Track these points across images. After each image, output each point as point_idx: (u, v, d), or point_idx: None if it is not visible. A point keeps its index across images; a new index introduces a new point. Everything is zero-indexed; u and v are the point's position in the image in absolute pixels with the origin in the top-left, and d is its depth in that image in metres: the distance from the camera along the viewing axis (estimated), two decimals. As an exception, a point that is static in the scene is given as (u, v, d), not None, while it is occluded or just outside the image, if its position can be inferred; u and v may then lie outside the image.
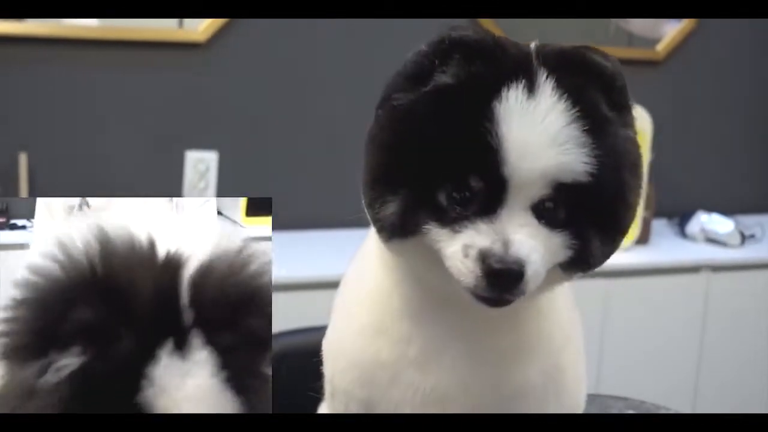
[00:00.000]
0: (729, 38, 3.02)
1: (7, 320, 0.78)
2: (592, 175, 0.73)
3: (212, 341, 0.81)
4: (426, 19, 2.20)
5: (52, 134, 2.44)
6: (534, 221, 0.74)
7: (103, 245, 0.79)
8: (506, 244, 0.72)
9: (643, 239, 2.69)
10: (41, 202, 1.66)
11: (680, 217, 2.87)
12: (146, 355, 0.79)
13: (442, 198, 0.75)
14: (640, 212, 2.57)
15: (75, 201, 1.63)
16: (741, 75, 3.11)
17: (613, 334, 2.60)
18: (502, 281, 0.72)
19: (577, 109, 0.74)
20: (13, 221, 2.47)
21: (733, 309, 2.73)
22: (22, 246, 2.38)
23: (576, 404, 0.94)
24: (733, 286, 2.72)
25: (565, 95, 0.74)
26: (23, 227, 2.43)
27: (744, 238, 2.77)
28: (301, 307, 1.90)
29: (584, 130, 0.74)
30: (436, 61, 0.76)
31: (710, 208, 2.86)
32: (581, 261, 0.78)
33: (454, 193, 0.74)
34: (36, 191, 2.41)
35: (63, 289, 0.78)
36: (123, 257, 0.79)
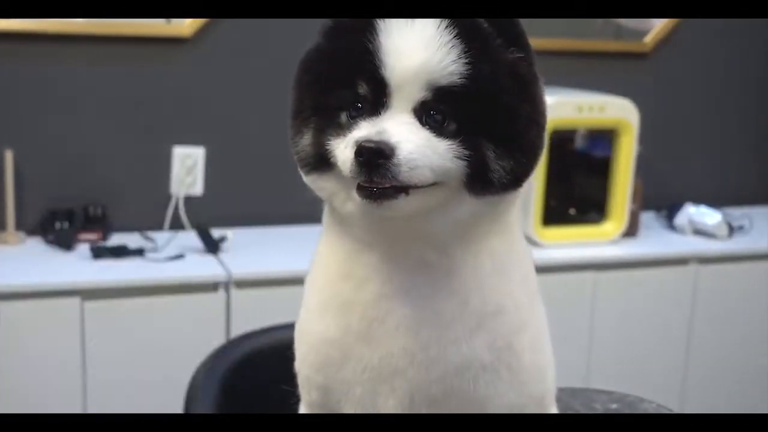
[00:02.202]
0: (716, 30, 3.02)
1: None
2: (466, 77, 0.79)
3: None
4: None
5: (37, 130, 2.43)
6: (416, 122, 0.80)
7: None
8: (379, 131, 0.79)
9: (631, 231, 2.69)
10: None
11: (668, 210, 2.88)
12: None
13: (343, 117, 0.83)
14: (627, 202, 2.62)
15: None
16: (729, 67, 3.12)
17: (601, 326, 2.60)
18: (368, 159, 0.77)
19: (453, 20, 0.80)
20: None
21: (722, 301, 2.74)
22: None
23: (537, 394, 0.94)
24: (721, 278, 2.72)
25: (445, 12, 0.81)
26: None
27: (732, 230, 2.78)
28: (291, 302, 1.89)
29: (456, 35, 0.80)
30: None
31: (698, 200, 2.87)
32: (481, 174, 0.81)
33: (351, 109, 0.82)
34: (22, 188, 2.40)
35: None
36: None
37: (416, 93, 0.80)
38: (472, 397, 0.88)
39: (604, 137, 2.63)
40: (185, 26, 2.48)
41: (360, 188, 0.80)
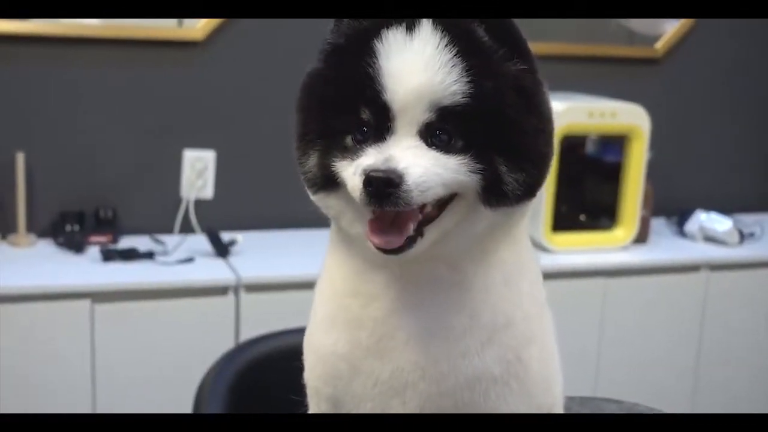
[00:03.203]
0: (728, 36, 3.02)
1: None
2: (470, 95, 0.79)
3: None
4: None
5: (49, 133, 2.44)
6: (422, 145, 0.80)
7: None
8: (386, 159, 0.78)
9: (641, 238, 2.68)
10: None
11: (679, 216, 2.87)
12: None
13: (348, 140, 0.83)
14: (637, 208, 2.61)
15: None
16: (740, 73, 3.11)
17: (611, 332, 2.59)
18: (378, 189, 0.77)
19: (452, 37, 0.80)
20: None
21: (732, 308, 2.73)
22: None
23: (546, 404, 0.93)
24: (731, 285, 2.71)
25: (443, 30, 0.80)
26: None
27: (743, 237, 2.77)
28: (301, 306, 1.89)
29: (457, 53, 0.79)
30: (333, 28, 0.86)
31: (709, 207, 2.86)
32: (495, 187, 0.81)
33: (356, 133, 0.82)
34: (33, 190, 2.41)
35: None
36: None
37: (420, 115, 0.79)
38: (482, 410, 0.88)
39: (615, 143, 2.62)
40: (196, 30, 2.48)
41: (374, 241, 0.80)
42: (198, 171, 2.56)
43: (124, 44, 2.45)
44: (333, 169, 0.83)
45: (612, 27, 2.92)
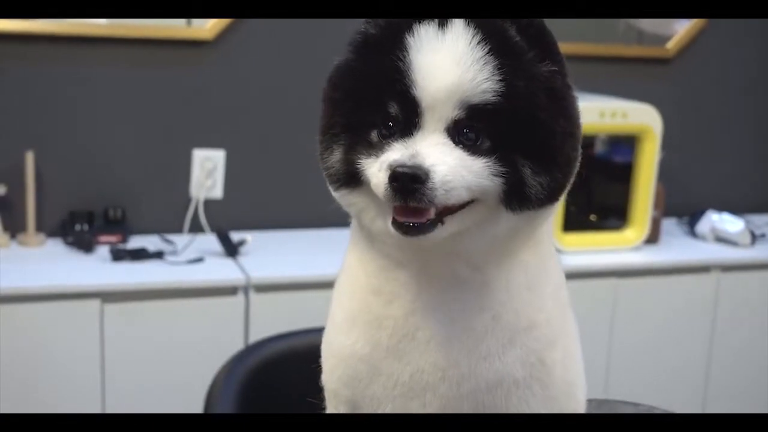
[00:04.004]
0: (739, 36, 3.00)
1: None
2: (500, 94, 0.78)
3: None
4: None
5: (58, 132, 2.44)
6: (449, 142, 0.79)
7: None
8: (413, 155, 0.77)
9: (652, 239, 2.67)
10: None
11: (690, 217, 2.86)
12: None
13: (374, 135, 0.81)
14: (648, 209, 2.59)
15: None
16: (751, 73, 3.09)
17: (622, 333, 2.58)
18: (403, 185, 0.76)
19: (484, 35, 0.79)
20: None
21: (743, 309, 2.72)
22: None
23: (569, 409, 0.92)
24: (743, 286, 2.70)
25: (475, 27, 0.79)
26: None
27: (754, 238, 2.75)
28: (313, 306, 1.89)
29: (489, 52, 0.78)
30: (366, 21, 0.84)
31: (720, 208, 2.84)
32: (518, 191, 0.80)
33: (382, 128, 0.81)
34: (43, 190, 2.41)
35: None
36: None
37: (449, 112, 0.78)
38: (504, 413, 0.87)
39: (626, 143, 2.61)
40: (206, 29, 2.48)
41: (395, 222, 0.79)
42: (207, 171, 2.55)
43: (133, 44, 2.45)
44: (357, 165, 0.82)
45: (622, 27, 2.91)
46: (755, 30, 3.01)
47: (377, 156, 0.80)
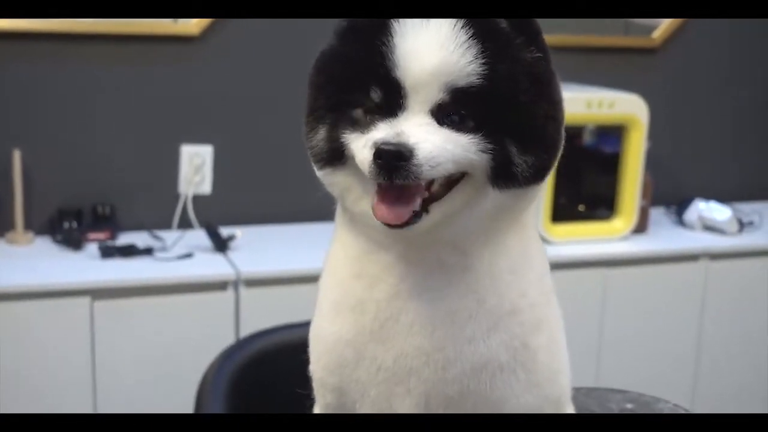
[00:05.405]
0: (725, 25, 3.01)
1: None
2: (484, 77, 0.79)
3: None
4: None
5: (45, 130, 2.43)
6: (433, 122, 0.80)
7: None
8: (397, 133, 0.78)
9: (640, 228, 2.68)
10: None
11: (678, 206, 2.86)
12: None
13: (358, 113, 0.82)
14: (636, 198, 2.60)
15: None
16: (738, 62, 3.10)
17: (611, 322, 2.59)
18: (388, 161, 0.77)
19: (468, 20, 0.80)
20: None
21: (732, 297, 2.73)
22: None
23: (553, 395, 0.93)
24: (731, 274, 2.71)
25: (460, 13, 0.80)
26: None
27: (742, 226, 2.77)
28: (301, 301, 1.89)
29: (473, 35, 0.79)
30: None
31: (708, 196, 2.86)
32: (505, 168, 0.81)
33: (365, 107, 0.82)
34: (31, 188, 2.40)
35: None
36: None
37: (433, 95, 0.79)
38: (488, 399, 0.87)
39: (613, 133, 2.62)
40: (193, 25, 2.47)
41: (379, 213, 0.80)
42: (196, 166, 2.55)
43: (120, 40, 2.45)
44: (342, 140, 0.83)
45: (608, 17, 2.91)
46: (741, 19, 3.02)
47: (362, 132, 0.81)
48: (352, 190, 0.85)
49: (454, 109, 0.80)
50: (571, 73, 2.72)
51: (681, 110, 3.03)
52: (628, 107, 2.54)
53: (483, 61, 0.79)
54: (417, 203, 0.80)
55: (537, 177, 0.83)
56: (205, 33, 2.50)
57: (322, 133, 0.85)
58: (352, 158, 0.83)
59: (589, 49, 2.88)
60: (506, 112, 0.80)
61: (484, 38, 0.79)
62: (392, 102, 0.80)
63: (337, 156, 0.84)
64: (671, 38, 2.97)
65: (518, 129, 0.81)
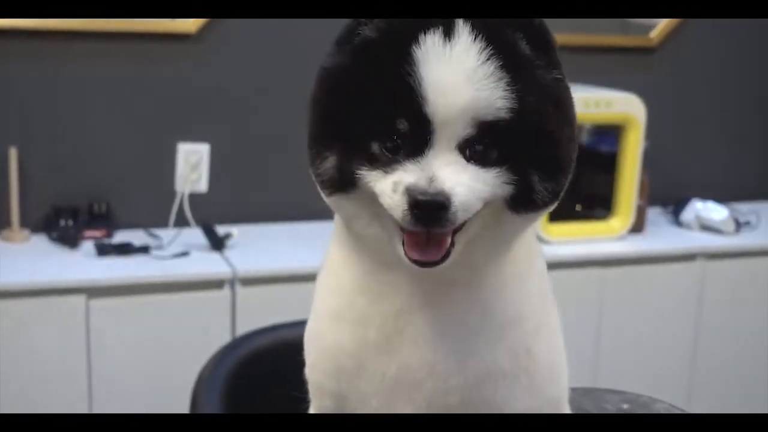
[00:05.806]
0: (723, 25, 3.01)
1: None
2: (512, 110, 0.76)
3: None
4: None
5: (41, 127, 2.42)
6: (461, 160, 0.77)
7: None
8: (431, 179, 0.75)
9: (637, 228, 2.68)
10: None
11: (675, 205, 2.86)
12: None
13: (375, 147, 0.78)
14: (633, 198, 2.60)
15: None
16: (735, 62, 3.10)
17: (608, 322, 2.59)
18: (426, 212, 0.75)
19: (492, 48, 0.76)
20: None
21: (729, 297, 2.73)
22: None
23: (553, 396, 0.92)
24: (728, 274, 2.71)
25: (481, 36, 0.77)
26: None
27: (739, 226, 2.77)
28: (297, 299, 1.89)
29: (500, 67, 0.76)
30: (361, 20, 0.80)
31: (705, 196, 2.86)
32: (525, 196, 0.80)
33: (386, 141, 0.78)
34: (27, 185, 2.39)
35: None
36: None
37: (461, 130, 0.76)
38: (489, 405, 0.87)
39: (611, 133, 2.62)
40: (189, 22, 2.47)
41: (414, 256, 0.78)
42: (192, 164, 2.55)
43: (116, 37, 2.44)
44: (357, 176, 0.79)
45: (605, 17, 2.91)
46: (738, 20, 3.02)
47: (385, 171, 0.77)
48: (362, 215, 0.82)
49: (479, 139, 0.77)
50: (568, 73, 2.72)
51: (678, 110, 3.03)
52: (625, 107, 2.54)
53: (512, 94, 0.76)
54: (448, 242, 0.78)
55: (554, 200, 0.81)
56: (202, 31, 2.50)
57: (331, 161, 0.80)
58: (365, 185, 0.79)
59: (587, 48, 2.88)
60: (532, 143, 0.78)
61: (510, 68, 0.76)
62: (419, 138, 0.76)
63: (348, 183, 0.80)
64: (669, 38, 2.97)
65: (542, 158, 0.79)
